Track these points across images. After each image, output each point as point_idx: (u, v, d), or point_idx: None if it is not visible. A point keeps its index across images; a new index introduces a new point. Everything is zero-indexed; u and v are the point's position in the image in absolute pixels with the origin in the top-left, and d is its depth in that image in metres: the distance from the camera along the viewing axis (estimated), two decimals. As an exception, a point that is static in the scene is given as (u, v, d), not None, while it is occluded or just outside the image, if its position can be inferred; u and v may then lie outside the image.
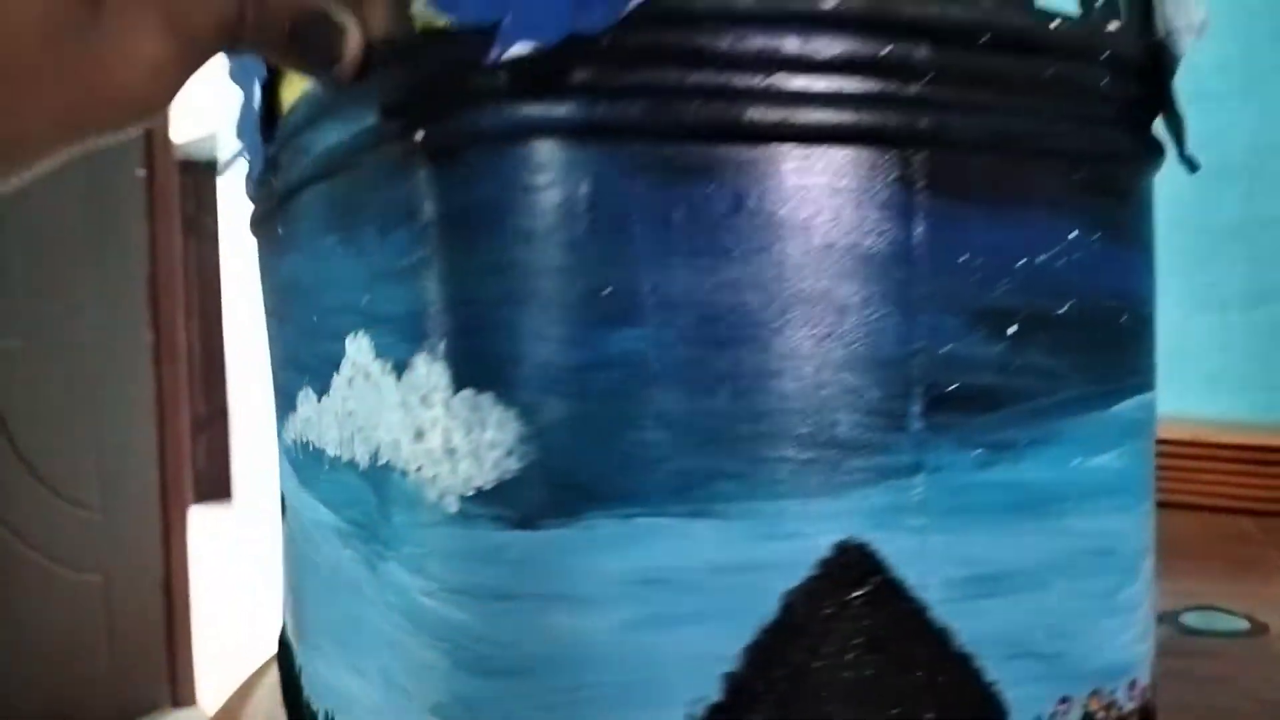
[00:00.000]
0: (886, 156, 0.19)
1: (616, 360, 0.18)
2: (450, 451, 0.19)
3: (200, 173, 3.08)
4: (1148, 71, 0.22)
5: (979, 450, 0.20)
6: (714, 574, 0.18)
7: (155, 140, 1.96)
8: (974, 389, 0.20)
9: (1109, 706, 0.23)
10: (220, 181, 3.05)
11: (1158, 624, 0.55)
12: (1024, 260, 0.21)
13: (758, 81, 0.18)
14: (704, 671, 0.18)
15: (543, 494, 0.18)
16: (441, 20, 0.18)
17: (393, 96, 0.19)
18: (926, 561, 0.20)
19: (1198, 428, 0.82)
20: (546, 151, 0.18)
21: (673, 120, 0.18)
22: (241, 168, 0.28)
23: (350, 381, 0.22)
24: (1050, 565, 0.21)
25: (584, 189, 0.18)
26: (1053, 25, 0.20)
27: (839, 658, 0.19)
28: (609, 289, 0.18)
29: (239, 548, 2.94)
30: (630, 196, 0.18)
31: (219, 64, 0.21)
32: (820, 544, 0.19)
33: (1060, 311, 0.21)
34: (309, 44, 0.19)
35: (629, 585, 0.18)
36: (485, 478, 0.18)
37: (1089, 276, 0.22)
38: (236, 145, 0.28)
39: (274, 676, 0.37)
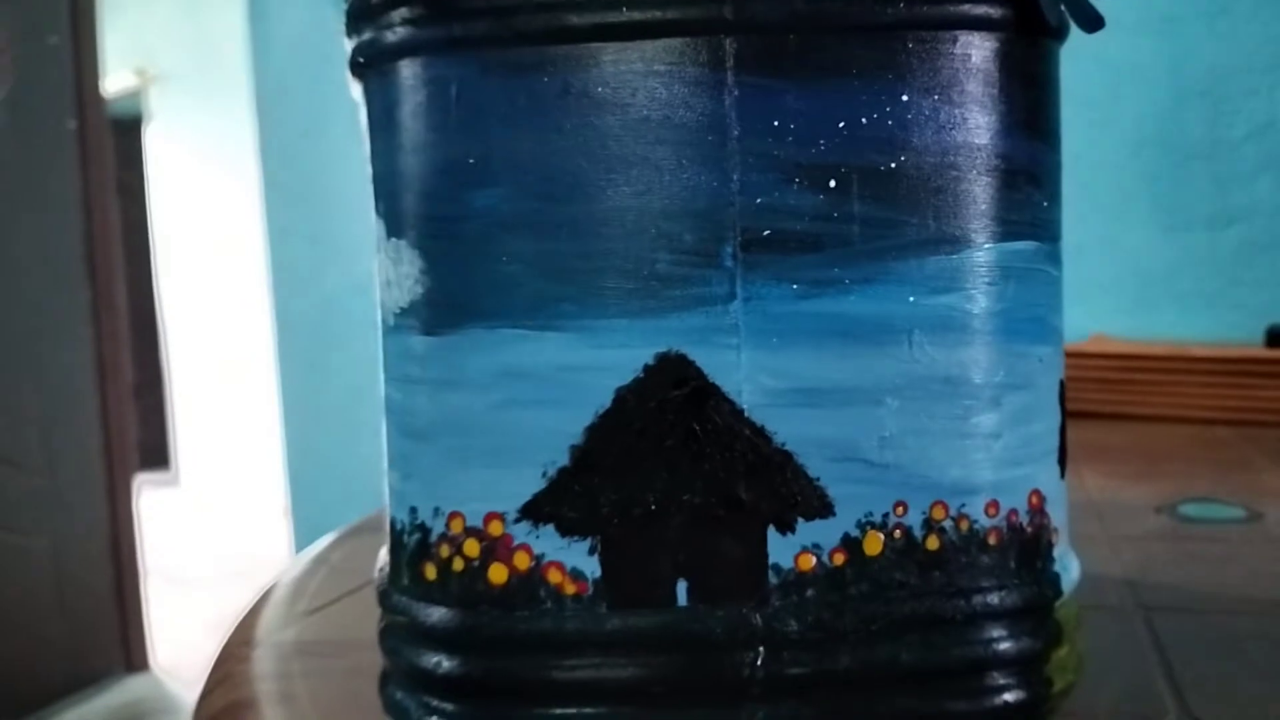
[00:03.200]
0: (696, 43, 0.24)
1: (480, 213, 0.25)
2: (388, 283, 0.27)
3: (125, 130, 2.90)
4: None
5: (798, 285, 0.25)
6: (560, 371, 0.25)
7: (85, 90, 1.86)
8: (790, 234, 0.24)
9: (960, 519, 0.26)
10: (147, 139, 2.99)
11: (1156, 514, 0.53)
12: (844, 123, 0.24)
13: (577, -7, 0.24)
14: (555, 443, 0.25)
15: (435, 311, 0.26)
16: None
17: (348, 27, 0.27)
18: (741, 372, 0.25)
19: (1170, 345, 0.84)
20: (420, 65, 0.25)
21: (509, 31, 0.24)
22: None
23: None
24: (881, 385, 0.25)
25: (452, 88, 0.25)
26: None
27: (663, 441, 0.25)
28: (472, 159, 0.25)
29: (182, 515, 2.95)
30: (485, 90, 0.24)
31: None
32: (645, 353, 0.25)
33: (889, 166, 0.25)
34: None
35: (496, 376, 0.25)
36: (404, 300, 0.26)
37: (923, 136, 0.25)
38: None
39: (280, 594, 0.47)
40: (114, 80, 3.01)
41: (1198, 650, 0.36)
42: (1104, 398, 0.84)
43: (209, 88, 3.00)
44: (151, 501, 3.19)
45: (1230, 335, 0.90)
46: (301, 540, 1.98)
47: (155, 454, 3.37)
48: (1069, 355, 0.85)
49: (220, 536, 2.99)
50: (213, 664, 0.41)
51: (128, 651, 2.01)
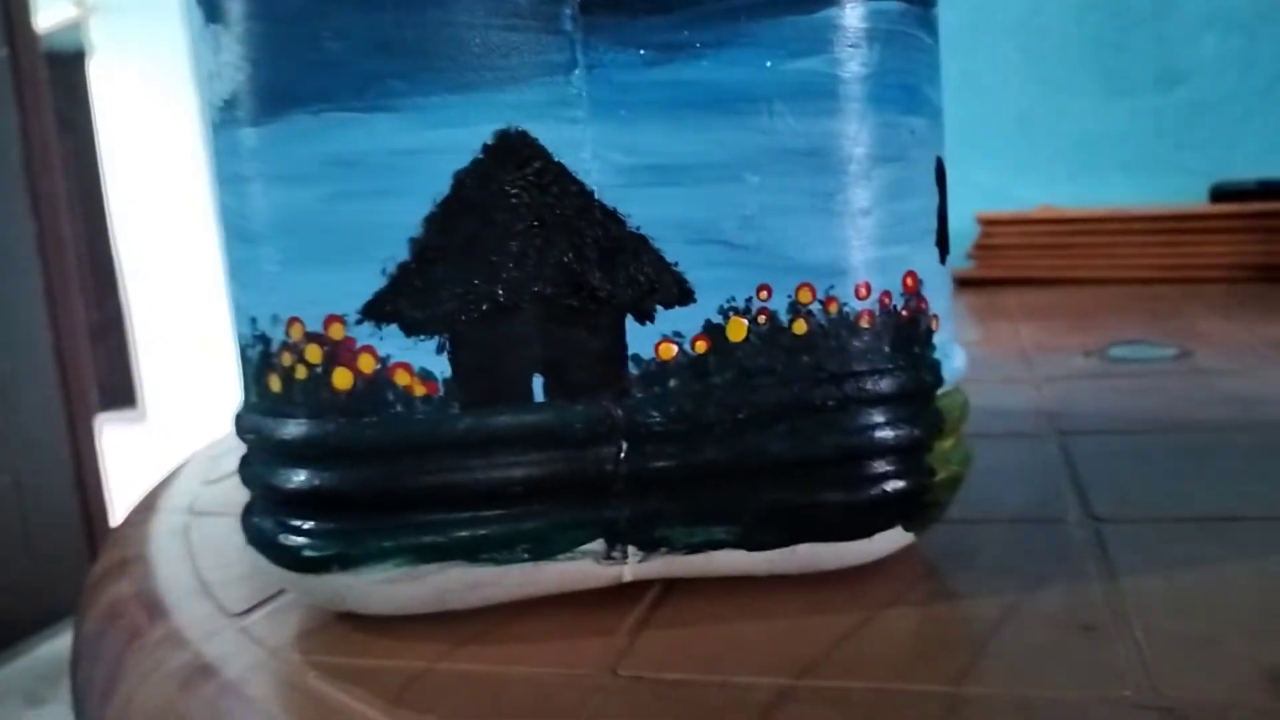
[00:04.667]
0: None
1: (297, -15, 0.23)
2: (210, 75, 0.25)
3: (68, 64, 2.88)
4: None
5: (645, 50, 0.23)
6: (393, 156, 0.23)
7: (14, 16, 1.81)
8: (634, -7, 0.23)
9: (828, 302, 0.24)
10: (91, 72, 2.92)
11: (1085, 357, 0.53)
12: None
13: None
14: (393, 237, 0.23)
15: (259, 98, 0.24)
16: None
17: None
18: (588, 149, 0.23)
19: (1111, 210, 0.84)
20: None
21: None
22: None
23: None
24: (740, 160, 0.23)
25: None
26: None
27: (509, 227, 0.23)
28: (284, -73, 0.23)
29: (149, 451, 2.95)
30: None
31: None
32: (483, 131, 0.23)
33: (738, -83, 0.23)
34: None
35: (326, 166, 0.23)
36: (226, 91, 0.24)
37: (773, -120, 0.23)
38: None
39: (188, 469, 0.45)
40: (52, 13, 2.90)
41: (1106, 463, 0.35)
42: (1048, 263, 0.83)
43: (148, 15, 2.90)
44: (120, 439, 3.16)
45: (1177, 198, 0.89)
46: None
47: (122, 393, 3.34)
48: (1012, 223, 0.86)
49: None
50: (113, 532, 0.40)
51: (98, 584, 2.00)
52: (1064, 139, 0.98)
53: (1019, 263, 0.83)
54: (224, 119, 0.24)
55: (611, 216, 0.23)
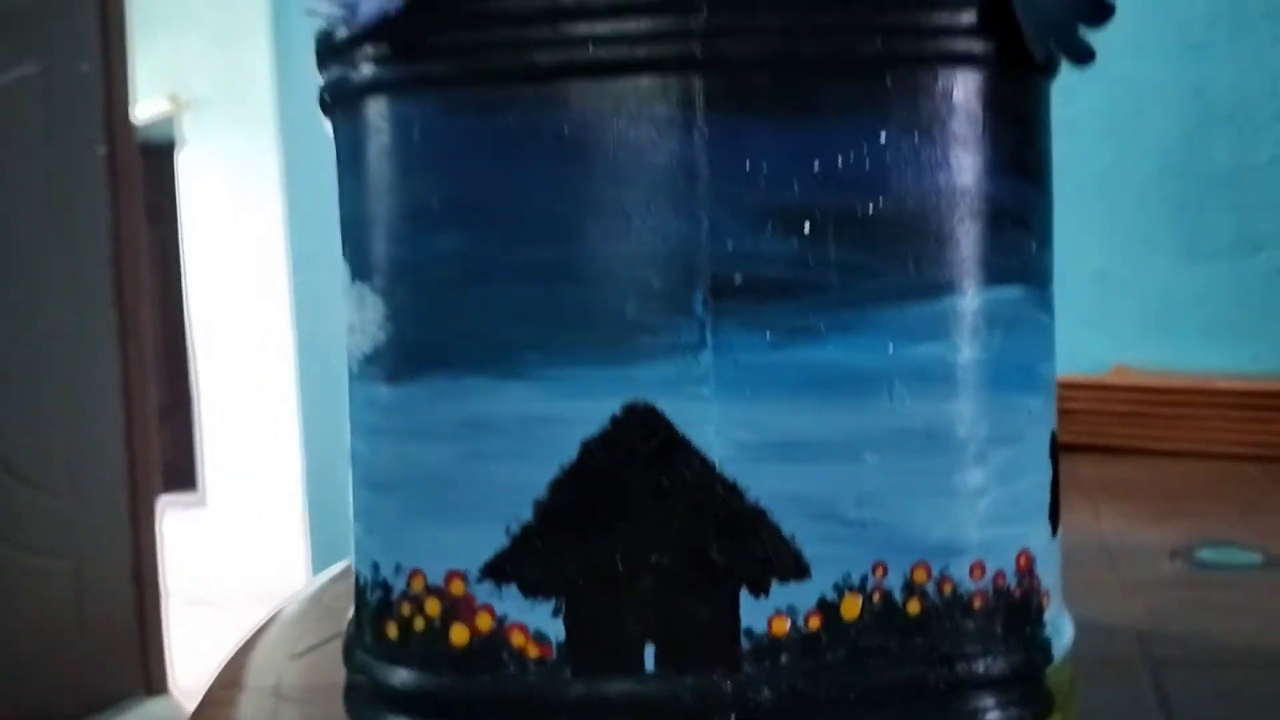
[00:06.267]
0: (665, 82, 0.23)
1: (444, 257, 0.24)
2: (352, 328, 0.26)
3: (158, 155, 2.99)
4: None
5: (771, 334, 0.23)
6: (524, 423, 0.24)
7: (116, 116, 1.91)
8: (763, 280, 0.23)
9: (943, 582, 0.24)
10: (180, 164, 3.05)
11: (1170, 559, 0.51)
12: (818, 164, 0.23)
13: (544, 32, 0.23)
14: (519, 498, 0.24)
15: (399, 358, 0.25)
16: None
17: (318, 63, 0.26)
18: (712, 425, 0.23)
19: (1195, 378, 0.81)
20: (385, 103, 0.24)
21: (475, 70, 0.23)
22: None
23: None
24: (860, 439, 0.24)
25: (415, 129, 0.24)
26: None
27: (630, 497, 0.24)
28: (435, 202, 0.24)
29: (208, 538, 2.96)
30: (448, 130, 0.24)
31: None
32: (612, 404, 0.24)
33: (866, 210, 0.23)
34: None
35: (460, 428, 0.24)
36: (367, 347, 0.25)
37: (903, 177, 0.24)
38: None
39: (272, 634, 0.46)
40: (148, 106, 3.07)
41: (1205, 708, 0.34)
42: (1127, 432, 0.81)
43: (240, 114, 3.04)
44: (178, 523, 3.20)
45: (1256, 367, 0.88)
46: (318, 564, 1.98)
47: (183, 476, 3.39)
48: (1090, 388, 0.84)
49: (245, 558, 2.99)
50: (197, 707, 0.40)
51: (147, 674, 2.01)
52: (1141, 299, 0.97)
53: (1095, 430, 0.82)
54: (363, 372, 0.26)
55: (732, 490, 0.24)
